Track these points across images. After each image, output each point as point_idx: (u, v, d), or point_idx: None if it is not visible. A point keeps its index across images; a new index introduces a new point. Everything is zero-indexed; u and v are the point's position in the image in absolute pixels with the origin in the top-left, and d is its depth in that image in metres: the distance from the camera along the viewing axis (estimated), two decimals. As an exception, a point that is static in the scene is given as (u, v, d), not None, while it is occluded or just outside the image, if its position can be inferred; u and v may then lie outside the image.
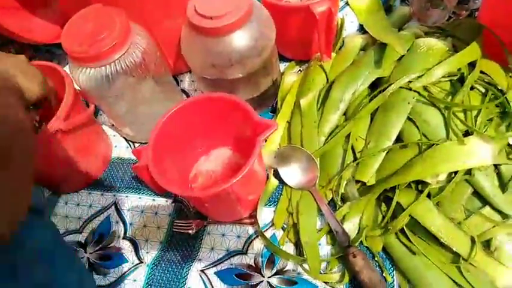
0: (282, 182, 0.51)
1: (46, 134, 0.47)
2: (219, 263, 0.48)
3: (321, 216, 0.48)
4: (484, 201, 0.43)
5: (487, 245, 0.42)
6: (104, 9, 0.48)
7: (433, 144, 0.45)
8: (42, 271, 0.34)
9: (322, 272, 0.45)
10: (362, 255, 0.43)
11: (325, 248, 0.47)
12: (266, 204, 0.51)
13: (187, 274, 0.48)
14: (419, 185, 0.44)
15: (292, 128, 0.54)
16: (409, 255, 0.43)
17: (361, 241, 0.45)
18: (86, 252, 0.53)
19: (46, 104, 0.48)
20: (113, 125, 0.64)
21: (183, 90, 0.65)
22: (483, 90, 0.48)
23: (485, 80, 0.48)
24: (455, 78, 0.49)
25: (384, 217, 0.45)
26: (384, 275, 0.44)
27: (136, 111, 0.56)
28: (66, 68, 0.61)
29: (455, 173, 0.43)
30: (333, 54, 0.59)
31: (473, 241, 0.41)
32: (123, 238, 0.53)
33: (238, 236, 0.50)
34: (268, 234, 0.49)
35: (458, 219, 0.43)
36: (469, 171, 0.43)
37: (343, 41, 0.63)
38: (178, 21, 0.51)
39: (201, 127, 0.51)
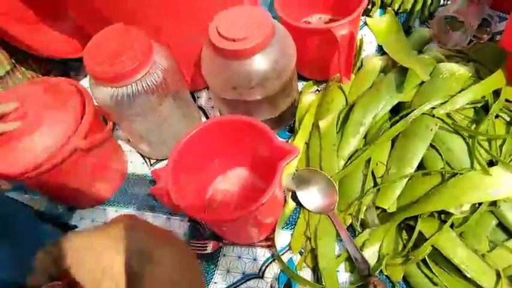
0: (299, 204, 0.51)
1: (65, 152, 0.47)
2: (235, 287, 0.48)
3: (339, 241, 0.48)
4: (509, 233, 0.42)
5: (512, 279, 0.41)
6: (126, 28, 0.48)
7: (457, 173, 0.44)
8: None
9: (340, 300, 0.45)
10: (383, 286, 0.42)
11: (343, 275, 0.46)
12: (283, 227, 0.51)
13: (203, 298, 0.47)
14: (442, 215, 0.43)
15: (311, 150, 0.53)
16: (431, 286, 0.42)
17: (381, 269, 0.44)
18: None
19: None
20: (128, 140, 0.64)
21: (200, 107, 0.65)
22: (508, 119, 0.47)
23: (511, 109, 0.47)
24: (479, 105, 0.48)
25: (404, 245, 0.44)
26: (404, 305, 0.43)
27: (153, 128, 0.56)
28: (84, 81, 0.61)
29: (480, 203, 0.42)
30: (352, 76, 0.59)
31: (498, 275, 0.40)
32: (138, 257, 0.52)
33: (255, 259, 0.49)
34: (285, 258, 0.49)
35: (482, 251, 0.42)
36: (494, 202, 0.42)
37: (361, 62, 0.63)
38: (198, 39, 0.51)
39: (219, 148, 0.50)
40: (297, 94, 0.60)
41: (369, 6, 0.70)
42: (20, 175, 0.46)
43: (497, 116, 0.47)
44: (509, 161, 0.44)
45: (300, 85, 0.63)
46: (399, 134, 0.49)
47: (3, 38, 0.60)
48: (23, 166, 0.46)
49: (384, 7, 0.70)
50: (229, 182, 0.54)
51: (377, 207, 0.47)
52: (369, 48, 0.66)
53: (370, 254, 0.45)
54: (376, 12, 0.70)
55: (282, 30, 0.51)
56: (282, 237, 0.50)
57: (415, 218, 0.44)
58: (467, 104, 0.48)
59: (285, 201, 0.52)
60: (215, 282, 0.48)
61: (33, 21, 0.64)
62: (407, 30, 0.66)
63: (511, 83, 0.49)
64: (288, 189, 0.52)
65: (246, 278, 0.48)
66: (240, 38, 0.45)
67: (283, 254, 0.49)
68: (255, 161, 0.53)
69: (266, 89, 0.50)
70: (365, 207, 0.47)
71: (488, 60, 0.54)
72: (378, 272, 0.44)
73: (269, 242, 0.50)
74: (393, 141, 0.50)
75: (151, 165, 0.61)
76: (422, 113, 0.48)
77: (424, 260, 0.43)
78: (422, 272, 0.43)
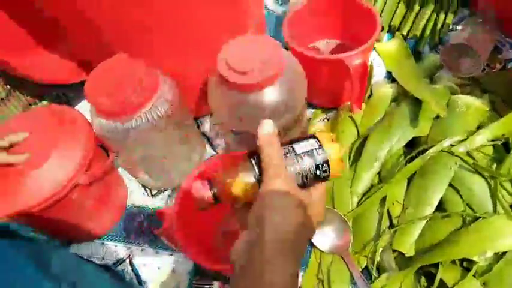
0: (311, 244, 0.48)
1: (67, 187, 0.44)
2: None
3: (353, 285, 0.45)
4: (535, 282, 0.40)
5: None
6: (131, 59, 0.46)
7: (479, 217, 0.42)
8: None
9: None
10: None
11: (358, 323, 0.44)
12: (294, 268, 0.48)
13: None
14: (465, 262, 0.41)
15: (322, 185, 0.51)
16: (453, 338, 0.40)
17: (399, 318, 0.42)
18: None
19: None
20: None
21: (204, 134, 0.63)
22: (530, 158, 0.45)
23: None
24: (498, 143, 0.46)
25: (423, 292, 0.42)
26: None
27: (155, 158, 0.53)
28: (80, 106, 0.57)
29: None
30: (363, 105, 0.57)
31: (525, 328, 0.38)
32: (138, 298, 0.50)
33: (264, 303, 0.47)
34: (296, 301, 0.46)
35: (507, 301, 0.40)
36: (518, 249, 0.40)
37: (371, 89, 0.61)
38: (202, 67, 0.49)
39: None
40: (307, 123, 0.57)
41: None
42: (22, 212, 0.43)
43: (518, 155, 0.45)
44: (534, 204, 0.42)
45: (309, 112, 0.61)
46: (416, 171, 0.47)
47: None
48: (28, 202, 0.43)
49: (391, 31, 0.69)
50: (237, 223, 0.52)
51: (394, 250, 0.45)
52: (377, 73, 0.64)
53: (388, 301, 0.43)
54: (384, 36, 0.68)
55: (293, 60, 0.48)
56: (293, 279, 0.47)
57: (434, 264, 0.42)
58: (487, 140, 0.46)
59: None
60: (222, 328, 0.46)
61: (27, 47, 0.61)
62: (417, 56, 0.64)
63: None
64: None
65: (255, 323, 0.45)
66: (251, 70, 0.43)
67: (294, 297, 0.46)
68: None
69: (276, 122, 0.47)
70: (381, 249, 0.45)
71: (502, 90, 0.53)
72: (396, 320, 0.42)
73: (279, 283, 0.47)
74: (409, 179, 0.48)
75: (152, 195, 0.58)
76: (441, 150, 0.46)
77: (445, 310, 0.41)
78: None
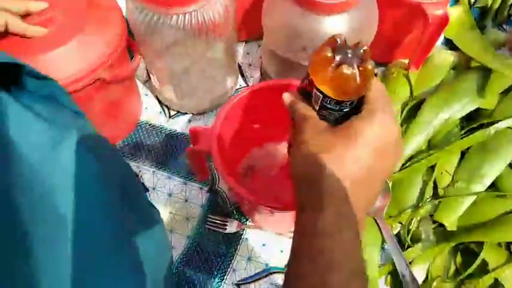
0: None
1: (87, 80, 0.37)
2: (258, 279, 0.41)
3: (383, 249, 0.42)
4: None
5: None
6: None
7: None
8: None
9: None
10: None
11: (382, 289, 0.41)
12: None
13: (220, 286, 0.41)
14: (511, 245, 0.39)
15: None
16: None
17: (427, 291, 0.39)
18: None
19: None
20: (146, 81, 0.54)
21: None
22: None
23: None
24: None
25: (457, 269, 0.40)
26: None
27: (188, 71, 0.47)
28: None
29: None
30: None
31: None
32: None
33: (282, 251, 0.43)
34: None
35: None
36: None
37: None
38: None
39: (261, 116, 0.42)
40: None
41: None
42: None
43: None
44: None
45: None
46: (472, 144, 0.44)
47: None
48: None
49: (457, -4, 0.62)
50: (265, 157, 0.47)
51: (433, 221, 0.42)
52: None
53: (417, 273, 0.40)
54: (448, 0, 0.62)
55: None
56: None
57: (476, 242, 0.39)
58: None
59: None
60: (234, 270, 0.42)
61: None
62: (481, 29, 0.59)
63: None
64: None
65: (270, 271, 0.42)
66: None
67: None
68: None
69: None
70: (419, 218, 0.42)
71: None
72: (423, 294, 0.39)
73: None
74: (462, 152, 0.44)
75: (170, 117, 0.52)
76: (507, 127, 0.42)
77: (477, 289, 0.38)
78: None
